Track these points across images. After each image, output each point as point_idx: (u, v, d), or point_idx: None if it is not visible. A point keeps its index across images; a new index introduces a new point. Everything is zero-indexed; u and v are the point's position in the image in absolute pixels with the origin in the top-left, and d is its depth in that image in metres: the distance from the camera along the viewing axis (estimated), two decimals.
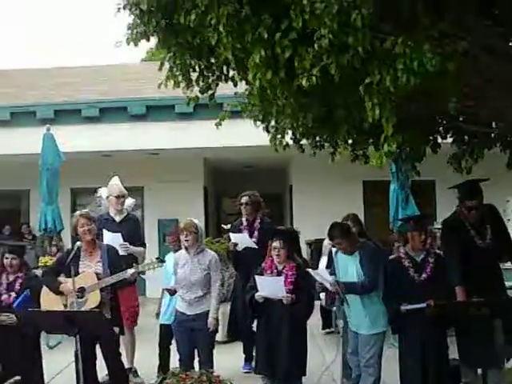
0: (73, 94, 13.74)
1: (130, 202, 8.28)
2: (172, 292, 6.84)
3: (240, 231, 7.85)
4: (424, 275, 5.85)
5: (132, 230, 7.70)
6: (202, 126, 11.42)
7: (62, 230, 11.02)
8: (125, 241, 7.36)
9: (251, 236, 7.68)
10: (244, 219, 7.92)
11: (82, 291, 5.96)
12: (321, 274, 6.35)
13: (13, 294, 6.32)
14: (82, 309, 5.85)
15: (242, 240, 7.64)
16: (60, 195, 11.05)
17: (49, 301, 6.05)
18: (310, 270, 6.38)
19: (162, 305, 7.47)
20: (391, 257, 6.52)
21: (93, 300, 5.94)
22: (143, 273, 6.50)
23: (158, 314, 7.58)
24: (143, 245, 7.81)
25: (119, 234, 7.37)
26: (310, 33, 3.83)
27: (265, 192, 8.48)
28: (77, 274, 5.99)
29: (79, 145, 12.04)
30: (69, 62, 25.21)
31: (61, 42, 52.63)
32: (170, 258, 7.33)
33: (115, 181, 8.30)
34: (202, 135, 11.62)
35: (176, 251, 7.23)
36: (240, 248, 7.65)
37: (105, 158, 13.17)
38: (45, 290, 6.19)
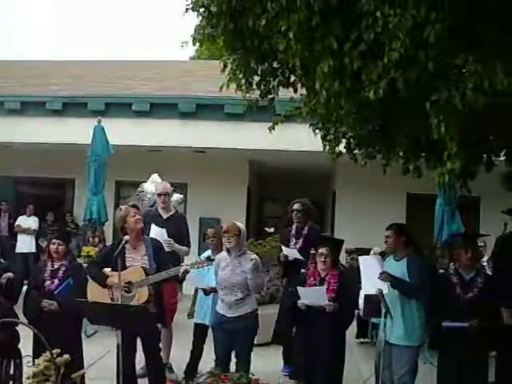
0: (124, 87, 13.91)
1: (176, 197, 8.33)
2: (208, 292, 6.86)
3: (288, 238, 7.83)
4: (470, 294, 5.76)
5: (178, 228, 7.72)
6: (251, 127, 11.52)
7: (105, 222, 11.16)
8: (170, 238, 7.41)
9: (297, 243, 7.68)
10: (294, 226, 7.88)
11: (129, 286, 6.00)
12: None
13: (56, 281, 6.39)
14: (130, 304, 5.86)
15: (292, 254, 7.60)
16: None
17: (95, 293, 6.08)
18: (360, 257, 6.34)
19: (196, 304, 7.49)
20: (440, 271, 6.47)
21: (141, 296, 5.96)
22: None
23: (190, 314, 7.59)
24: (188, 244, 7.83)
25: (164, 230, 7.42)
26: (379, 45, 3.81)
27: (306, 198, 8.43)
28: (124, 267, 6.03)
29: (127, 138, 12.18)
30: (121, 56, 25.53)
31: (113, 34, 53.57)
32: (206, 255, 7.37)
33: (155, 178, 8.35)
34: (250, 137, 11.69)
35: (214, 248, 7.29)
36: (290, 259, 7.62)
37: (151, 152, 13.29)
38: (91, 281, 6.24)
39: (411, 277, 5.94)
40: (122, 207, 6.55)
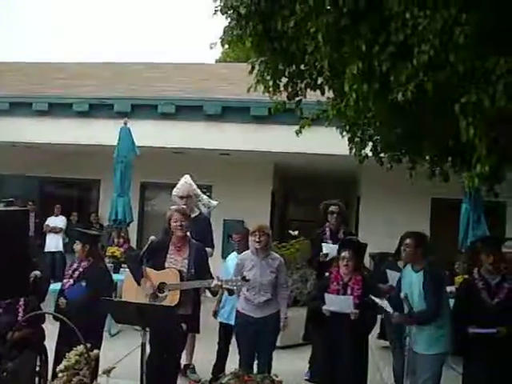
0: (150, 89, 13.98)
1: (215, 203, 8.43)
2: (232, 292, 6.87)
3: (322, 240, 7.68)
4: (497, 299, 5.70)
5: (201, 229, 7.65)
6: (276, 130, 11.51)
7: (131, 222, 11.23)
8: (193, 239, 7.42)
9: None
10: (328, 228, 7.78)
11: (162, 287, 6.06)
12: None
13: (70, 281, 6.47)
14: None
15: (334, 250, 7.29)
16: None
17: (132, 289, 6.18)
18: (372, 297, 6.16)
19: (221, 304, 7.50)
20: (465, 277, 6.39)
21: (172, 299, 6.00)
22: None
23: (215, 312, 7.57)
24: (211, 246, 7.80)
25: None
26: (408, 47, 3.80)
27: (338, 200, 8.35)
28: (162, 267, 6.14)
29: (153, 140, 12.25)
30: (147, 58, 25.74)
31: (139, 37, 53.92)
32: (232, 257, 7.40)
33: (186, 179, 8.36)
34: (275, 139, 11.68)
35: (239, 251, 7.27)
36: (328, 259, 7.42)
37: (176, 154, 13.34)
38: (128, 277, 6.34)
39: (427, 293, 5.79)
40: (171, 208, 6.68)
